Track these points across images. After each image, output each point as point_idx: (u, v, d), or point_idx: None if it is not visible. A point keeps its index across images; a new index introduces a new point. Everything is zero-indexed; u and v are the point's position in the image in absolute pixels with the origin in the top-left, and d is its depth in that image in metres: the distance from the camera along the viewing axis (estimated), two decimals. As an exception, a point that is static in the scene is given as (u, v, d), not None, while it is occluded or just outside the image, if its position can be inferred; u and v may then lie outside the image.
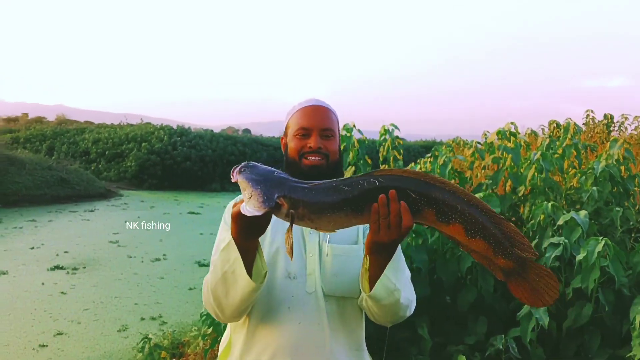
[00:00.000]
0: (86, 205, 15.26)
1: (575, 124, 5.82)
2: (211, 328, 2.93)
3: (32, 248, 9.42)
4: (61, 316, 6.16)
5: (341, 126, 4.11)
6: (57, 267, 8.17)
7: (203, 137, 23.33)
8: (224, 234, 1.52)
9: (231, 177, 1.25)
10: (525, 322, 2.70)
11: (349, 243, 1.56)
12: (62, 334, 5.65)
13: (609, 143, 4.00)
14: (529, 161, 3.75)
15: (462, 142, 7.65)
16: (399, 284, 1.43)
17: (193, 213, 14.70)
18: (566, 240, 2.88)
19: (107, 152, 22.24)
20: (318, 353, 1.48)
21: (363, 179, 1.23)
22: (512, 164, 4.02)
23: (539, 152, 3.66)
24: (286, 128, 1.63)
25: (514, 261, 1.21)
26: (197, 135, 23.38)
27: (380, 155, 4.32)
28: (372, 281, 1.39)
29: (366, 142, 4.18)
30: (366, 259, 1.38)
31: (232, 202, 1.52)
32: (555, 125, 8.29)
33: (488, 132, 4.79)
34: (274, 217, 1.27)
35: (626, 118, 8.74)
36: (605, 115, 7.70)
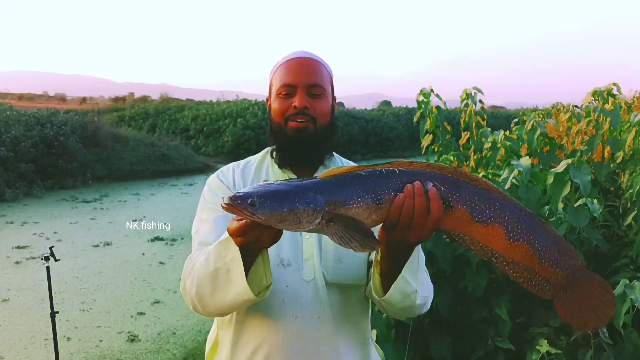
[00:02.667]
0: (186, 179, 15.94)
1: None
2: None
3: (135, 220, 9.97)
4: (159, 285, 6.48)
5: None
6: (157, 239, 8.60)
7: (296, 111, 23.61)
8: (205, 212, 1.36)
9: (245, 216, 0.97)
10: (619, 304, 2.41)
11: None
12: (159, 302, 5.94)
13: None
14: (629, 124, 3.35)
15: (561, 107, 7.09)
16: (417, 284, 1.21)
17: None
18: (670, 212, 2.54)
19: (205, 128, 23.06)
20: (319, 351, 1.28)
21: (382, 168, 1.05)
22: (611, 127, 3.62)
23: (641, 114, 3.25)
24: (270, 87, 1.41)
25: (564, 270, 1.01)
26: (290, 109, 23.69)
27: (462, 121, 4.04)
28: (386, 280, 1.21)
29: (446, 109, 3.94)
30: (377, 256, 1.20)
31: (213, 177, 1.42)
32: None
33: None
34: None
35: None
36: None
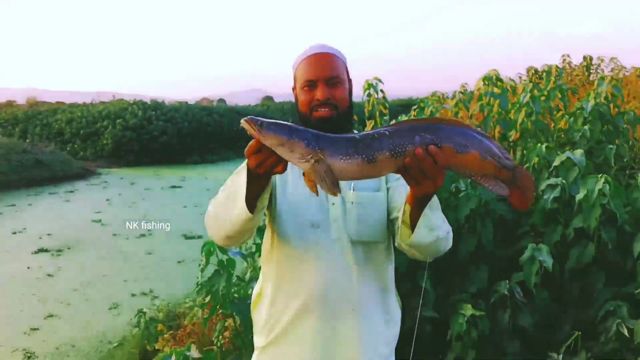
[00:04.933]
0: (66, 186, 14.90)
1: (557, 66, 5.74)
2: (209, 297, 2.85)
3: (15, 233, 9.20)
4: (50, 298, 6.06)
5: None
6: (41, 250, 8.01)
7: (178, 110, 22.84)
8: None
9: (253, 134, 1.21)
10: (529, 266, 2.65)
11: (373, 190, 1.59)
12: (53, 316, 5.56)
13: (596, 81, 3.92)
14: (517, 105, 3.67)
15: (442, 96, 7.56)
16: (438, 220, 1.46)
17: (175, 187, 14.50)
18: (564, 181, 2.83)
19: (81, 132, 21.73)
20: (346, 298, 1.54)
21: (374, 131, 1.27)
22: (500, 109, 3.95)
23: (528, 95, 3.58)
24: (294, 79, 1.62)
25: (510, 170, 1.28)
26: (172, 109, 22.88)
27: (365, 110, 4.20)
28: (412, 227, 1.42)
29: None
30: (405, 210, 1.42)
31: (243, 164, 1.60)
32: (534, 71, 8.24)
33: (466, 84, 4.70)
34: (295, 167, 1.33)
35: (602, 60, 8.72)
36: (584, 57, 7.64)
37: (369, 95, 4.24)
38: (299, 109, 1.58)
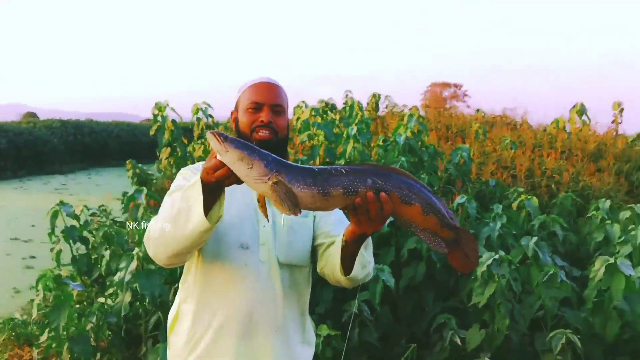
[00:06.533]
0: None
1: (359, 102, 6.33)
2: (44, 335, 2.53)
3: None
4: None
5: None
6: None
7: None
8: (182, 182, 1.58)
9: (216, 145, 1.24)
10: (373, 285, 2.90)
11: (302, 216, 1.59)
12: None
13: (406, 116, 4.44)
14: (346, 136, 3.99)
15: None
16: (370, 257, 1.57)
17: None
18: (395, 207, 3.16)
19: None
20: (270, 318, 1.58)
21: (331, 167, 1.32)
22: (326, 139, 4.25)
23: (356, 128, 3.92)
24: (237, 102, 1.68)
25: (454, 231, 1.33)
26: None
27: (194, 134, 4.15)
28: (346, 262, 1.50)
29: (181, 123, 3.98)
30: (342, 244, 1.49)
31: (185, 168, 1.66)
32: (324, 104, 8.94)
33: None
34: (227, 188, 1.35)
35: (379, 97, 9.85)
36: (374, 95, 8.52)
37: (198, 119, 4.20)
38: (239, 130, 1.64)
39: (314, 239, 1.65)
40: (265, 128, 1.59)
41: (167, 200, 1.53)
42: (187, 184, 1.45)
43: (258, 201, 1.36)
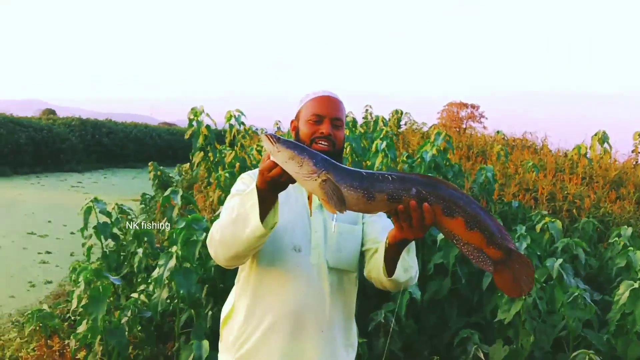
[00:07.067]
0: None
1: (383, 117, 6.42)
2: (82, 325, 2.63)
3: None
4: None
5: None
6: None
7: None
8: (242, 186, 1.69)
9: (269, 146, 1.33)
10: (400, 297, 2.98)
11: (351, 223, 1.73)
12: None
13: (433, 134, 4.54)
14: (374, 150, 4.08)
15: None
16: (413, 261, 1.64)
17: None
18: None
19: None
20: (318, 319, 1.65)
21: (379, 172, 1.38)
22: (353, 153, 4.35)
23: (385, 142, 4.01)
24: (298, 113, 1.76)
25: (503, 251, 1.33)
26: None
27: (226, 141, 4.26)
28: (389, 264, 1.56)
29: (216, 129, 4.10)
30: (385, 246, 1.54)
31: (245, 174, 1.75)
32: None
33: (279, 121, 5.01)
34: (281, 193, 1.44)
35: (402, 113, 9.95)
36: (395, 111, 8.64)
37: (231, 126, 4.32)
38: (299, 139, 1.71)
39: (362, 244, 1.73)
40: (325, 140, 1.67)
41: (227, 205, 1.61)
42: (246, 189, 1.54)
43: (308, 198, 1.46)
